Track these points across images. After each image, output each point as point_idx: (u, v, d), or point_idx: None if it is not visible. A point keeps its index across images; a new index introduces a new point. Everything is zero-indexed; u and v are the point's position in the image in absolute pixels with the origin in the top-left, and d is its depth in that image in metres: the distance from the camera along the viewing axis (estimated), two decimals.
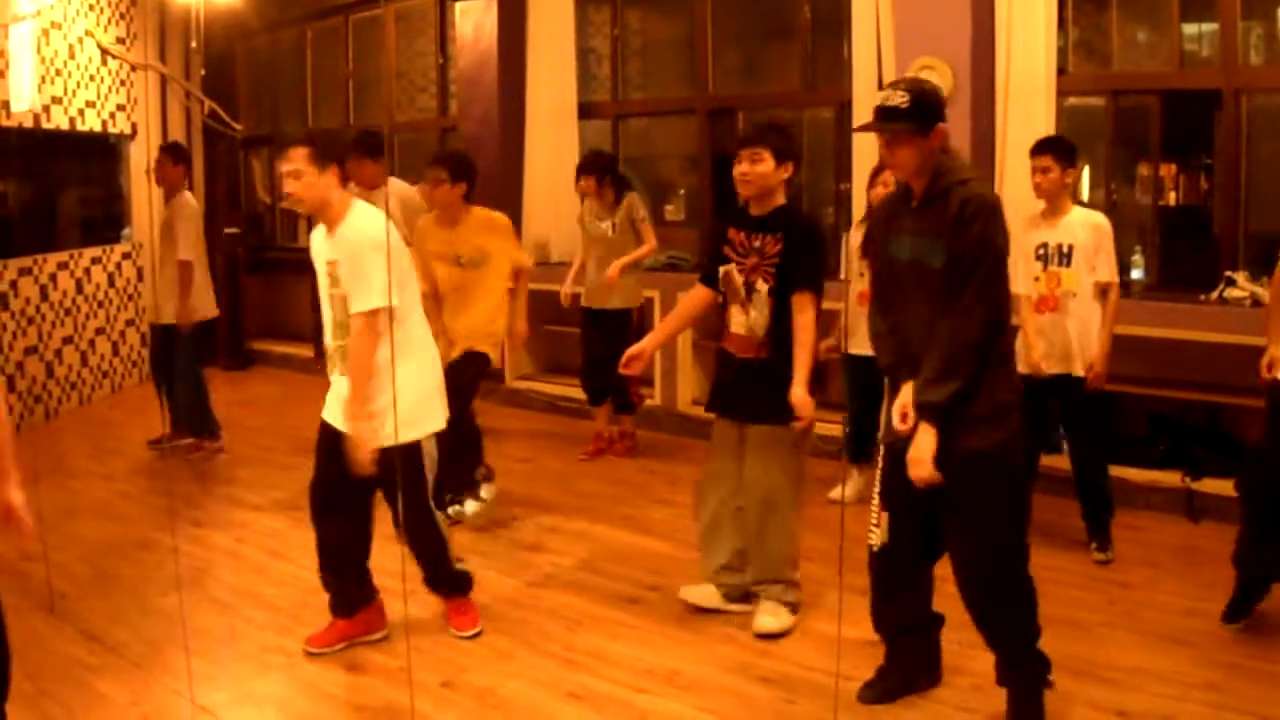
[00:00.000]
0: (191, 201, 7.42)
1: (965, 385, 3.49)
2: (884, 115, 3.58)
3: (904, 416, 3.61)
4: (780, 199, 4.57)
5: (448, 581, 4.62)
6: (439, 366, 4.52)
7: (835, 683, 3.87)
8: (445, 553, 4.54)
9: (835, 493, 6.18)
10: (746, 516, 4.64)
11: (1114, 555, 5.35)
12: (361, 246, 4.10)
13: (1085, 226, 5.28)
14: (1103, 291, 5.31)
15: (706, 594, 4.79)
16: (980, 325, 3.49)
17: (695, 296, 4.80)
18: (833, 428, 6.88)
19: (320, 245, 4.33)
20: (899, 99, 3.56)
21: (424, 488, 4.35)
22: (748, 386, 4.59)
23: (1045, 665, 3.77)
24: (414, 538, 4.43)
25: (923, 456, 3.53)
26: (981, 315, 3.49)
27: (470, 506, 5.90)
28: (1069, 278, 5.28)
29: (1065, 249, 5.28)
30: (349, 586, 4.52)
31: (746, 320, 4.57)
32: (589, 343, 7.40)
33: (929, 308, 3.58)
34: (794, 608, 4.65)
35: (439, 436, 4.43)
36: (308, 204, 4.24)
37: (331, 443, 4.28)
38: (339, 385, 4.30)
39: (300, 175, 4.17)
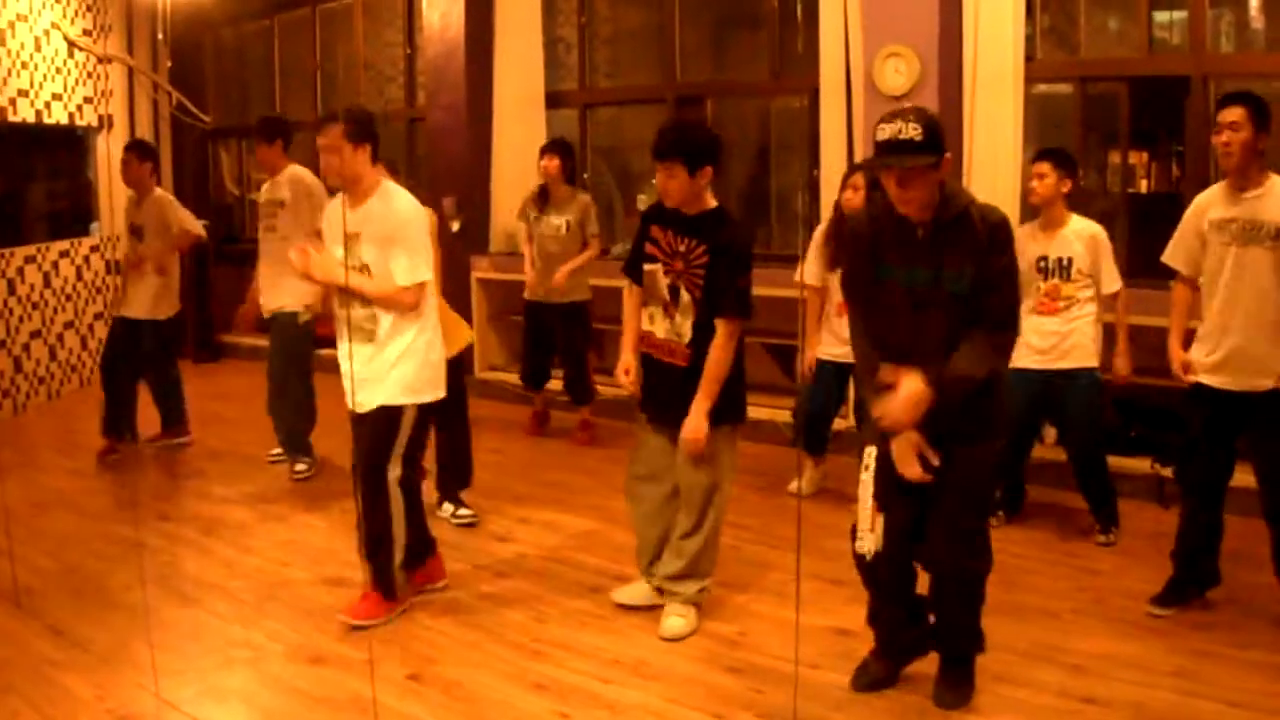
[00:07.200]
0: (167, 196, 7.37)
1: (978, 386, 3.50)
2: (899, 149, 3.35)
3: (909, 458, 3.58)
4: (709, 202, 4.35)
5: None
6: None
7: (795, 670, 3.88)
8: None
9: (794, 485, 6.19)
10: (678, 514, 4.51)
11: (1115, 538, 5.42)
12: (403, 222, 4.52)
13: (1081, 239, 5.30)
14: (1111, 298, 5.37)
15: (640, 592, 4.73)
16: (1009, 342, 3.56)
17: (634, 295, 4.54)
18: (785, 413, 7.02)
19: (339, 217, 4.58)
20: (913, 131, 3.33)
21: (388, 452, 4.55)
22: (675, 393, 4.35)
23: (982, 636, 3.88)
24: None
25: (910, 457, 3.56)
26: (1010, 332, 3.54)
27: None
28: (1069, 289, 5.31)
29: (1065, 262, 5.30)
30: None
31: (670, 325, 4.37)
32: (534, 333, 7.58)
33: (945, 330, 3.50)
34: (699, 606, 4.56)
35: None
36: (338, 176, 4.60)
37: None
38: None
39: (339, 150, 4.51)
